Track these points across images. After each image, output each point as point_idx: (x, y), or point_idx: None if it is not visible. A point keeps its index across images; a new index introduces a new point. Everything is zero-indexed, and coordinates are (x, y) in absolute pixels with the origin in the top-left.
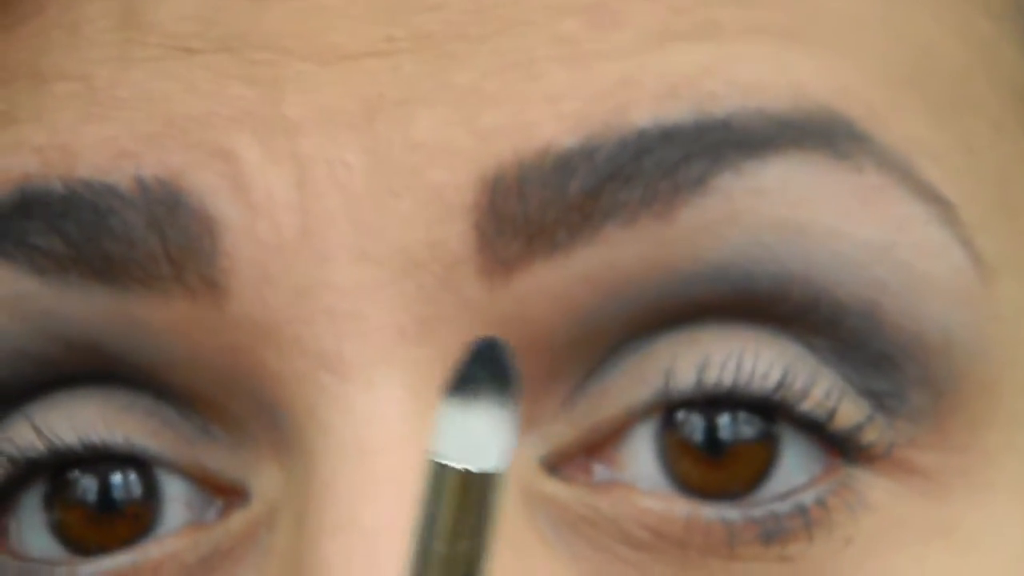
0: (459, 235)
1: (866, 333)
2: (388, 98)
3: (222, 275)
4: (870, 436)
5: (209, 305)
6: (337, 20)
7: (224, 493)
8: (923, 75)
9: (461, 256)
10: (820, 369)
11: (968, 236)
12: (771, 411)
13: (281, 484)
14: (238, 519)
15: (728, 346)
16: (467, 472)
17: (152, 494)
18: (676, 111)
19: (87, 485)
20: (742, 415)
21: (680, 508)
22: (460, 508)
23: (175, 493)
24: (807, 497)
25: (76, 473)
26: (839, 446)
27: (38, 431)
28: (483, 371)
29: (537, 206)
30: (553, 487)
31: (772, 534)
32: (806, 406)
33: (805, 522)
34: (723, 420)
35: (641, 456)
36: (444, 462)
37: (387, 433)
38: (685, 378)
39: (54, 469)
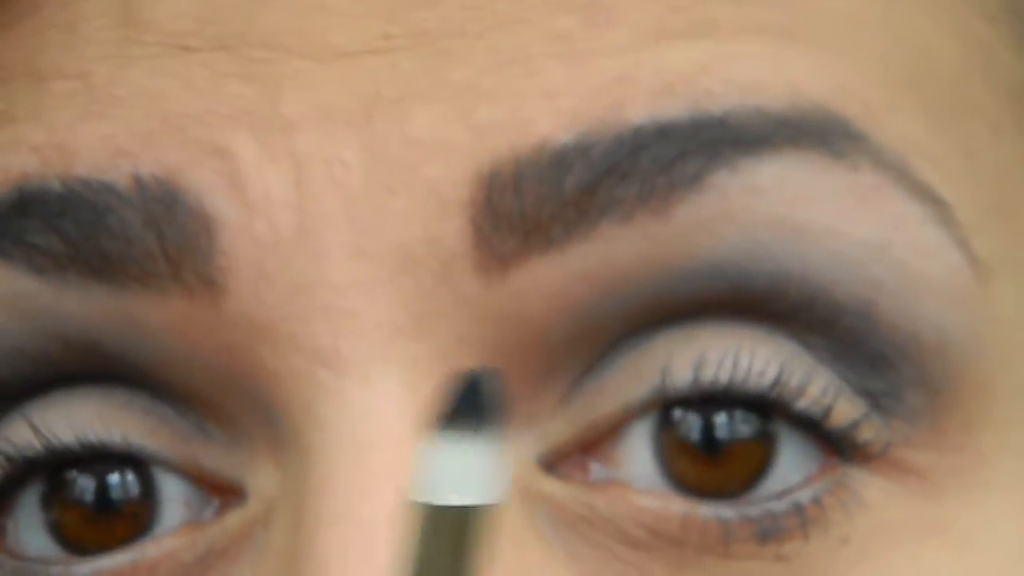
0: (455, 231)
1: (862, 332)
2: (385, 95)
3: (219, 273)
4: (866, 435)
5: (206, 303)
6: (334, 18)
7: (221, 492)
8: (920, 76)
9: (457, 252)
10: (816, 367)
11: (964, 237)
12: (767, 409)
13: (278, 482)
14: (235, 518)
15: (724, 343)
16: (447, 507)
17: (149, 494)
18: (672, 108)
19: (85, 485)
20: (738, 414)
21: (676, 506)
22: (442, 543)
23: (172, 492)
24: (803, 496)
25: (74, 473)
26: (835, 444)
27: (36, 430)
28: (467, 406)
29: (533, 202)
30: (551, 486)
31: (768, 533)
32: (802, 404)
33: (801, 521)
34: (720, 419)
35: (638, 454)
36: (430, 497)
37: (384, 428)
38: (682, 375)
39: (51, 468)
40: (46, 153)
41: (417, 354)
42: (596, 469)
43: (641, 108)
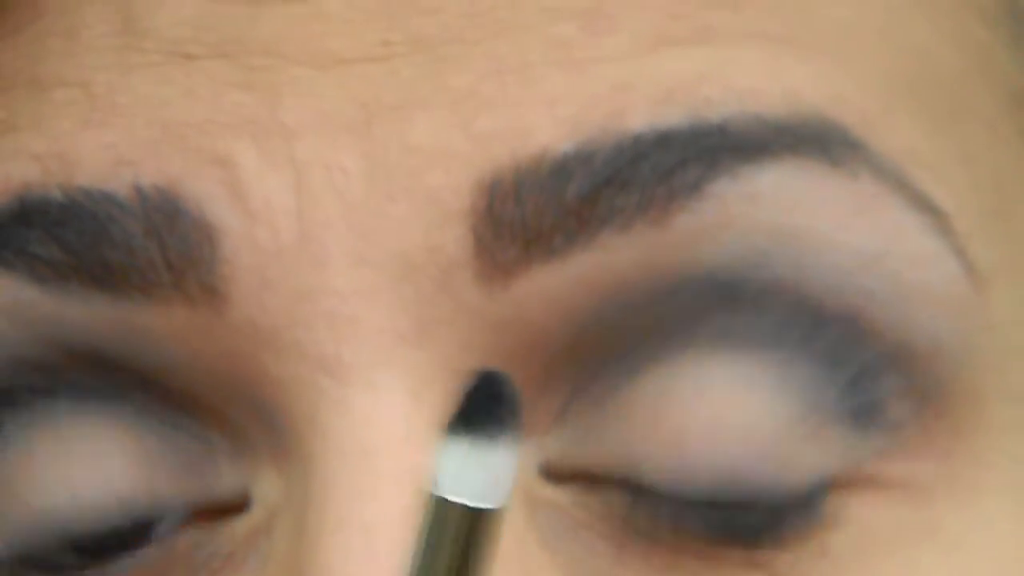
0: (456, 239)
1: (847, 343)
2: (385, 102)
3: (221, 282)
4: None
5: (209, 312)
6: (334, 25)
7: (224, 499)
8: (919, 82)
9: (458, 260)
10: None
11: (962, 245)
12: None
13: (281, 489)
14: (238, 525)
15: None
16: (464, 507)
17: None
18: (672, 116)
19: None
20: None
21: (666, 512)
22: (456, 543)
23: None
24: (785, 508)
25: None
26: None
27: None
28: (485, 405)
29: (534, 211)
30: (551, 491)
31: (751, 541)
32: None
33: (781, 531)
34: None
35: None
36: (443, 496)
37: (387, 434)
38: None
39: None
40: (47, 162)
41: (419, 361)
42: (596, 475)
43: (641, 116)
